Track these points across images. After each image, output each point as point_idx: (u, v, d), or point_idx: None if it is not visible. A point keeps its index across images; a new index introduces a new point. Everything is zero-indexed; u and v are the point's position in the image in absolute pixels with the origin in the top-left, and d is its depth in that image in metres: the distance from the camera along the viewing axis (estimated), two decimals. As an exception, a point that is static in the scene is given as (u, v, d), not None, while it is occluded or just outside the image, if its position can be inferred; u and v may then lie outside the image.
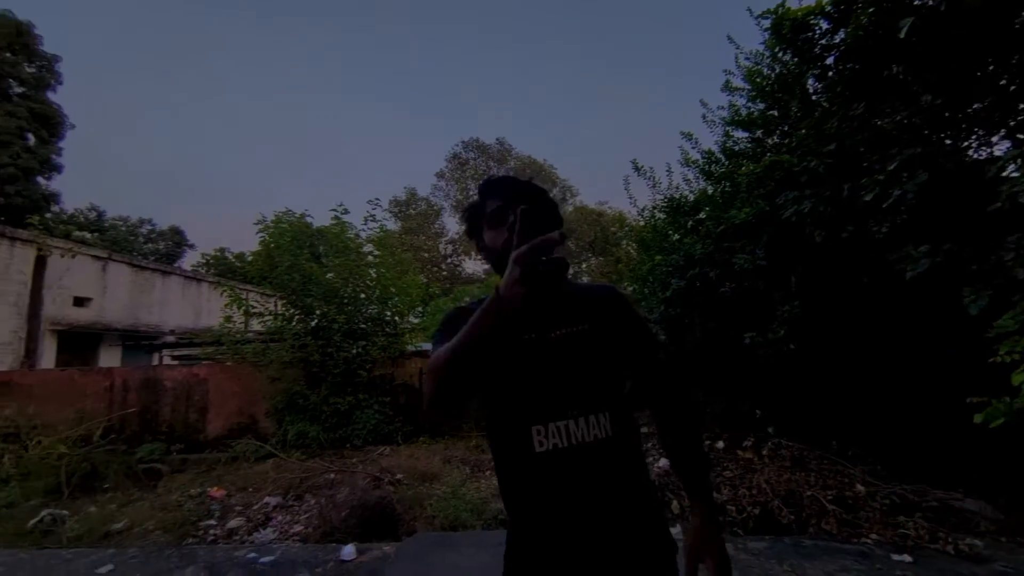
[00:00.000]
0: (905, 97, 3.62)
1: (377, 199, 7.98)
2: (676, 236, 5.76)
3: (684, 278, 5.20)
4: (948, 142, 3.83)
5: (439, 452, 5.86)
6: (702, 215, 5.64)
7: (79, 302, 10.03)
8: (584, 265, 28.82)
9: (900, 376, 4.27)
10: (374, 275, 7.50)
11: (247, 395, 6.88)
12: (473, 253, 28.85)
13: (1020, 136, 3.51)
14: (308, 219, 8.15)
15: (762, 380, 5.05)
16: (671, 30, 58.07)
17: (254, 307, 7.21)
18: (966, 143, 3.82)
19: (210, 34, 56.54)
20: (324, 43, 57.41)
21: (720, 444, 5.62)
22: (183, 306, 12.57)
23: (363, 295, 7.37)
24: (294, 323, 6.96)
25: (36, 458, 5.69)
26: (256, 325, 7.76)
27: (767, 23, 4.64)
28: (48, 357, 9.17)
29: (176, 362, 8.99)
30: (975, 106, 3.61)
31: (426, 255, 27.71)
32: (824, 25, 4.13)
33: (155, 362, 10.25)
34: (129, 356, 10.61)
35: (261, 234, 7.37)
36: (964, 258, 3.22)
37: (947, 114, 3.68)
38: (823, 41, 4.22)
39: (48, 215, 20.43)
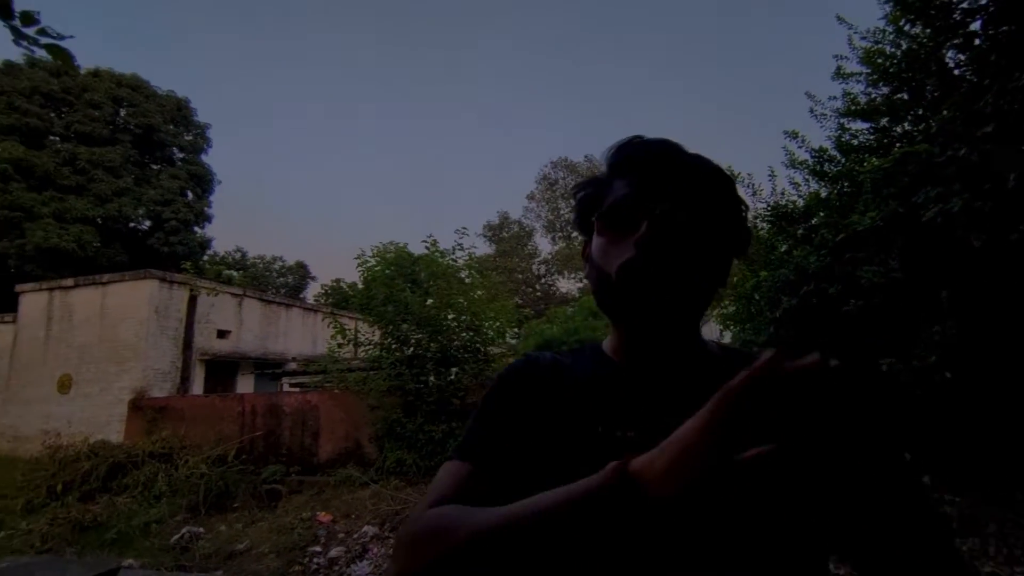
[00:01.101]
0: (1093, 57, 2.83)
1: (464, 228, 8.17)
2: (783, 247, 5.09)
3: (797, 295, 4.54)
4: None
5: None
6: (815, 222, 4.93)
7: (221, 334, 11.54)
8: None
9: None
10: (464, 302, 7.64)
11: (352, 421, 7.30)
12: (566, 271, 28.69)
13: None
14: (409, 250, 8.62)
15: (907, 416, 4.20)
16: (760, 37, 53.89)
17: (361, 336, 7.70)
18: None
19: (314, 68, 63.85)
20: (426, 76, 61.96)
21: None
22: (303, 335, 13.93)
23: (455, 322, 7.53)
24: (391, 352, 7.28)
25: (183, 476, 6.50)
26: (362, 353, 8.28)
27: (887, -6, 3.97)
28: (197, 384, 10.64)
29: (295, 389, 9.92)
30: None
31: (520, 276, 28.09)
32: (964, -15, 3.41)
33: (279, 388, 11.43)
34: (260, 382, 11.95)
35: (360, 268, 7.90)
36: None
37: None
38: (964, 5, 3.48)
39: (205, 258, 24.07)
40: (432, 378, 6.89)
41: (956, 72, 4.09)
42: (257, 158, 64.98)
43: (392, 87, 61.55)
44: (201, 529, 5.29)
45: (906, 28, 4.22)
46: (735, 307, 5.48)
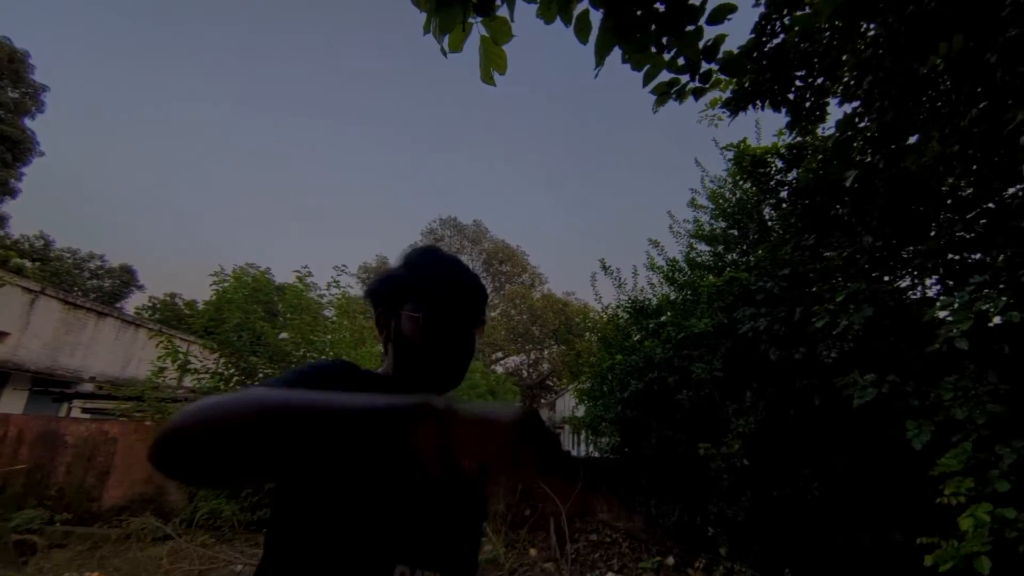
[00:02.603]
0: (850, 235, 3.95)
1: (345, 265, 7.87)
2: (637, 337, 5.84)
3: (643, 380, 5.20)
4: (886, 278, 4.16)
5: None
6: (664, 319, 5.79)
7: (-6, 336, 9.12)
8: (546, 352, 28.82)
9: (855, 504, 4.23)
10: (328, 340, 7.20)
11: (161, 461, 6.15)
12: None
13: (949, 282, 3.84)
14: (271, 276, 8.01)
15: (715, 495, 4.91)
16: (652, 140, 63.90)
17: (192, 362, 6.70)
18: (903, 283, 4.16)
19: (194, 63, 58.23)
20: (315, 97, 60.01)
21: (671, 560, 5.32)
22: (113, 352, 11.59)
23: (313, 359, 7.01)
24: (232, 384, 6.46)
25: None
26: (189, 382, 7.18)
27: (730, 155, 5.11)
28: (-62, 394, 8.11)
29: (87, 415, 8.08)
30: (910, 249, 3.97)
31: (387, 324, 27.12)
32: (779, 164, 4.58)
33: (62, 413, 9.18)
34: (35, 403, 9.48)
35: (215, 286, 7.07)
36: (907, 392, 3.34)
37: (885, 254, 4.03)
38: (778, 177, 4.65)
39: (-11, 238, 19.25)
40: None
41: (770, 223, 5.32)
42: (106, 142, 55.69)
43: (279, 94, 58.41)
44: None
45: (740, 182, 5.43)
46: (590, 383, 6.02)
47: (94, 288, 28.14)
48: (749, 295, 4.58)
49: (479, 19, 1.37)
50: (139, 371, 11.70)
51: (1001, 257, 3.12)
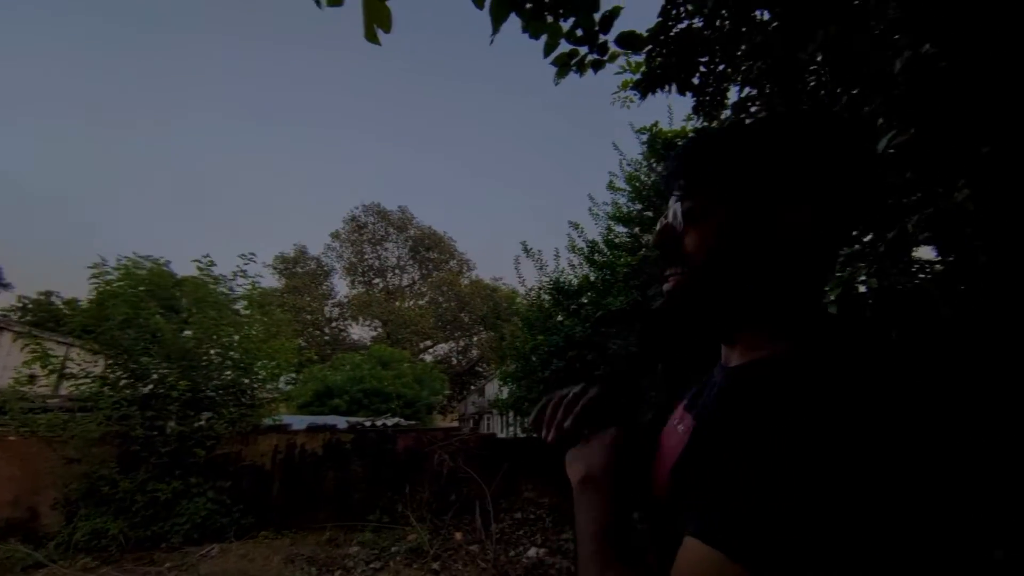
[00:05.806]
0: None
1: (252, 253, 7.20)
2: (560, 318, 5.94)
3: (564, 359, 5.29)
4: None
5: (282, 549, 4.98)
6: (584, 299, 5.92)
7: None
8: (475, 339, 28.84)
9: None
10: (236, 337, 6.62)
11: (31, 481, 5.35)
12: (361, 317, 27.57)
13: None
14: (171, 269, 7.23)
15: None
16: (575, 131, 65.26)
17: (71, 367, 5.87)
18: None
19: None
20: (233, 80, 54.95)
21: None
22: (-31, 359, 9.98)
23: (219, 358, 6.42)
24: (118, 388, 5.75)
25: None
26: (68, 389, 6.31)
27: (644, 138, 5.27)
28: None
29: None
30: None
31: (309, 316, 25.77)
32: (686, 146, 4.79)
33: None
34: None
35: (95, 280, 6.23)
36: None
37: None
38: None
39: None
40: (173, 423, 5.65)
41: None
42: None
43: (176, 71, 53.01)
44: None
45: (654, 165, 5.62)
46: (515, 365, 6.05)
47: (-55, 286, 24.08)
48: (660, 273, 4.78)
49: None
50: (4, 379, 10.16)
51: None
